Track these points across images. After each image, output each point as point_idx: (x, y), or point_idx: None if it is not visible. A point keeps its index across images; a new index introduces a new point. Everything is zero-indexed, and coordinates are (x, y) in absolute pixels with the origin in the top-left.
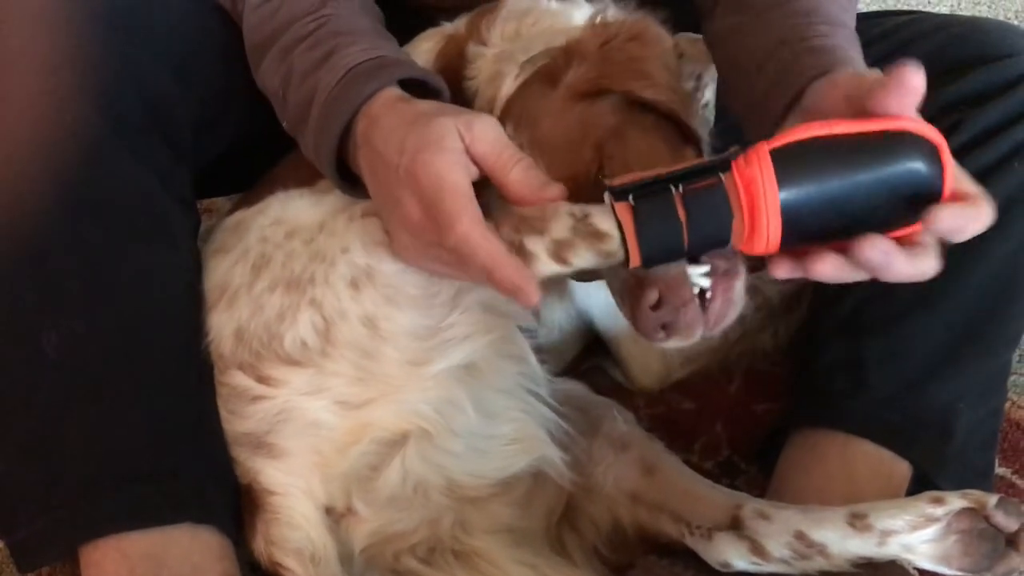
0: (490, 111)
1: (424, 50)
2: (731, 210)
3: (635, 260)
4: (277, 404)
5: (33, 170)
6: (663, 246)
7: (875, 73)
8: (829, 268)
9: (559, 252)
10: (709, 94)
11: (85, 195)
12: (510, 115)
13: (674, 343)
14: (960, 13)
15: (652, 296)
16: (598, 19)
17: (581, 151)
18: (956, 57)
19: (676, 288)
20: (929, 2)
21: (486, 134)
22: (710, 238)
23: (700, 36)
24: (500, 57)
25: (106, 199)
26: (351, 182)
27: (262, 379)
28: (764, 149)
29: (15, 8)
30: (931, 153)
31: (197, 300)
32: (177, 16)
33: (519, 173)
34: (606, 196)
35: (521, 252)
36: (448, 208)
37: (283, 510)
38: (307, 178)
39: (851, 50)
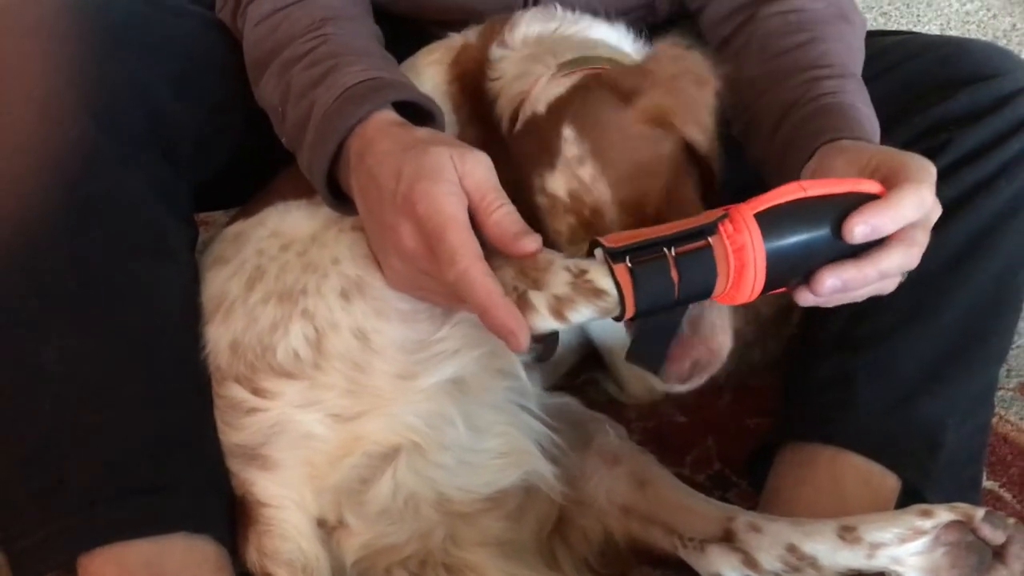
0: (517, 107)
1: (432, 61)
2: (717, 270)
3: (629, 314)
4: (271, 416)
5: (33, 184)
6: (656, 302)
7: (873, 148)
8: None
9: (559, 308)
10: None
11: (85, 209)
12: (565, 114)
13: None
14: (950, 32)
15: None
16: (669, 45)
17: (652, 182)
18: (944, 77)
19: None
20: (919, 20)
21: (476, 170)
22: (696, 294)
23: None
24: (527, 58)
25: (106, 213)
26: (342, 200)
27: (257, 391)
28: (749, 214)
29: (16, 24)
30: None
31: (195, 313)
32: (177, 32)
33: (499, 216)
34: (599, 253)
35: (523, 303)
36: (450, 243)
37: (276, 522)
38: (306, 190)
39: (857, 102)
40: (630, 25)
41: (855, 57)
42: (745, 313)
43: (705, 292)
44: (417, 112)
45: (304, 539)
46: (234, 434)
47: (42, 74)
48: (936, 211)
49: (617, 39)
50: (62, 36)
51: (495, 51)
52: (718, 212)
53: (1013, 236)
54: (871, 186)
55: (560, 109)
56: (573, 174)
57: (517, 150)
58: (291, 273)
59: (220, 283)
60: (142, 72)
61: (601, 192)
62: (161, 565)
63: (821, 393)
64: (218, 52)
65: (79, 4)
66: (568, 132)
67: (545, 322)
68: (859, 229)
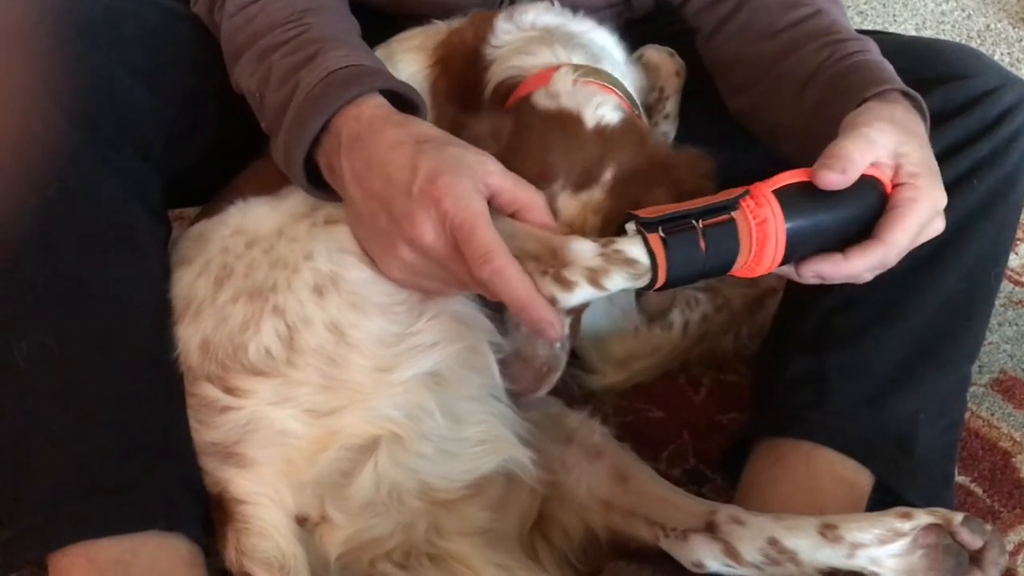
0: (511, 79)
1: (410, 47)
2: (739, 242)
3: (660, 282)
4: (245, 414)
5: (5, 182)
6: (685, 271)
7: (914, 145)
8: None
9: (594, 278)
10: (671, 106)
11: (57, 207)
12: (613, 155)
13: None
14: (925, 32)
15: None
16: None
17: None
18: (917, 77)
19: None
20: (895, 20)
21: (496, 166)
22: (720, 264)
23: (667, 48)
24: (535, 39)
25: (78, 211)
26: (316, 184)
27: (229, 390)
28: (768, 191)
29: None
30: (883, 190)
31: (166, 309)
32: (149, 27)
33: (542, 199)
34: (630, 227)
35: (560, 279)
36: (481, 240)
37: (253, 520)
38: (267, 187)
39: (883, 60)
40: (607, 21)
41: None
42: (715, 300)
43: (728, 263)
44: (399, 101)
45: (282, 537)
46: (208, 432)
47: (13, 74)
48: (937, 226)
49: (613, 47)
50: (32, 36)
51: (501, 23)
52: (739, 190)
53: (985, 234)
54: (872, 170)
55: (609, 143)
56: (585, 207)
57: (532, 124)
58: (259, 271)
59: (186, 283)
60: (114, 67)
61: (589, 231)
62: (132, 563)
63: (795, 390)
64: (190, 46)
65: (51, 1)
66: (608, 177)
67: (583, 292)
68: (806, 274)
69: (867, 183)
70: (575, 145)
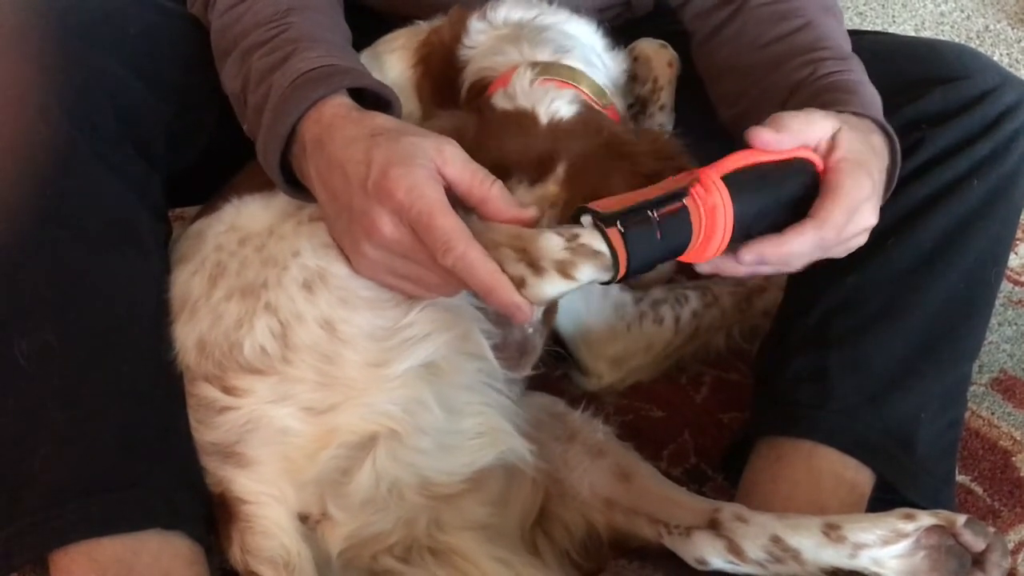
0: (483, 80)
1: (395, 48)
2: (692, 228)
3: (621, 274)
4: (244, 414)
5: (6, 181)
6: (644, 261)
7: (846, 135)
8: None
9: (564, 270)
10: (666, 96)
11: (58, 206)
12: (565, 151)
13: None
14: (924, 33)
15: None
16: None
17: None
18: (916, 77)
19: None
20: (894, 21)
21: (456, 156)
22: (673, 252)
23: (659, 40)
24: (505, 37)
25: (79, 210)
26: (297, 187)
27: (227, 389)
28: (716, 177)
29: None
30: (817, 173)
31: (166, 308)
32: (149, 27)
33: (499, 191)
34: (587, 219)
35: (534, 269)
36: (442, 227)
37: (256, 519)
38: (263, 185)
39: (863, 80)
40: (607, 22)
41: (847, 43)
42: (704, 297)
43: (681, 247)
44: (374, 100)
45: (286, 535)
46: (208, 432)
47: (14, 74)
48: (869, 218)
49: (590, 36)
50: (33, 35)
51: (474, 23)
52: (687, 175)
53: (985, 234)
54: (803, 152)
55: (561, 136)
56: (541, 201)
57: (491, 125)
58: (251, 268)
59: (183, 282)
60: (114, 67)
61: (547, 225)
62: (133, 561)
63: (796, 388)
64: (190, 46)
65: (51, 2)
66: (561, 171)
67: (555, 286)
68: (748, 258)
69: (803, 165)
70: (528, 142)
